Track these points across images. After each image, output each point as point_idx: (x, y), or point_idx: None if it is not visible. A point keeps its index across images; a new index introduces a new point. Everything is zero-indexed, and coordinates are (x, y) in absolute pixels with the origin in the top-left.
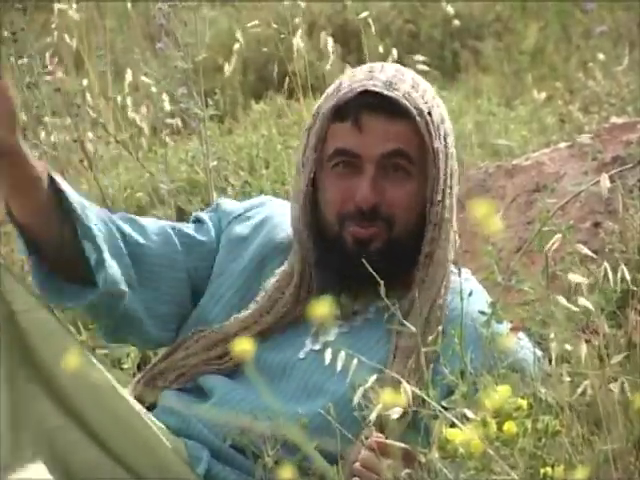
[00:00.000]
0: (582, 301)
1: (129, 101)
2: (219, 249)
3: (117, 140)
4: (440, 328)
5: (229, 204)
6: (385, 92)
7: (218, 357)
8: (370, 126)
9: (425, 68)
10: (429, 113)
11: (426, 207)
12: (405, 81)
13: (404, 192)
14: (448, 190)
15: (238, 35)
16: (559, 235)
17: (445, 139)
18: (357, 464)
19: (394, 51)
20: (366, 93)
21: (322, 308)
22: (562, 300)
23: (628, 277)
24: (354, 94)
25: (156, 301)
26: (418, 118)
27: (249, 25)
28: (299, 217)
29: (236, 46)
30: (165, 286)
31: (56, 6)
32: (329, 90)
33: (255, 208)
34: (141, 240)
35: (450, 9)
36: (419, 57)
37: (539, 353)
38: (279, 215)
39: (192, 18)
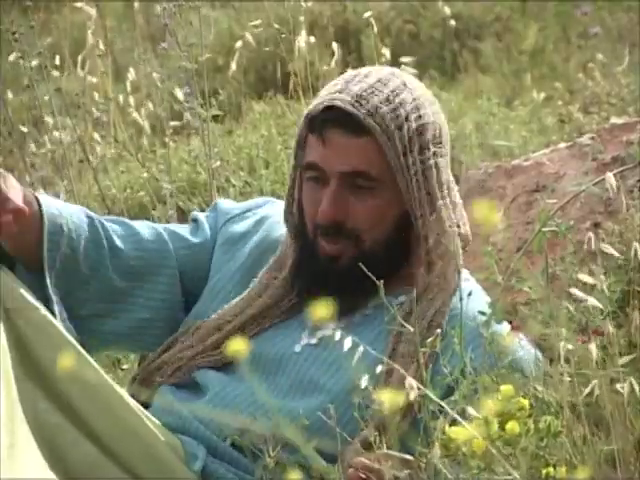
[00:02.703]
0: (591, 300)
1: (131, 101)
2: (215, 248)
3: (117, 140)
4: (438, 331)
5: (227, 204)
6: (348, 108)
7: (214, 347)
8: (333, 141)
9: (413, 71)
10: (398, 128)
11: (401, 216)
12: (380, 93)
13: (367, 207)
14: (439, 201)
15: (247, 35)
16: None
17: (423, 151)
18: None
19: (387, 52)
20: (330, 109)
21: (321, 309)
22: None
23: None
24: (320, 108)
25: (143, 307)
26: (380, 135)
27: (252, 24)
28: (287, 219)
29: (238, 44)
30: (155, 291)
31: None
32: (319, 93)
33: (253, 209)
34: (132, 253)
35: (447, 10)
36: (406, 59)
37: (539, 353)
38: (277, 214)
39: (195, 18)
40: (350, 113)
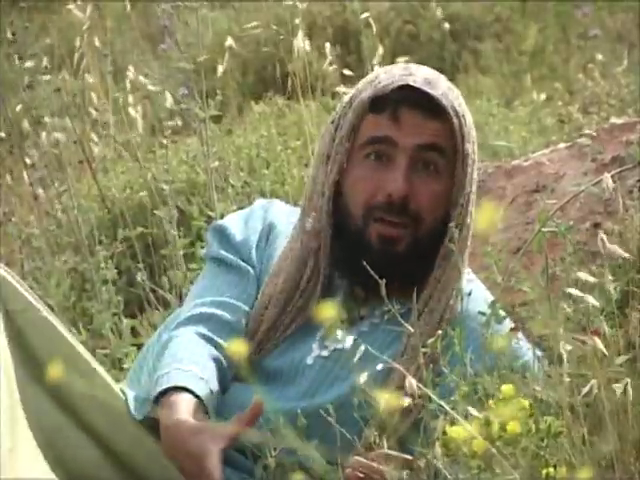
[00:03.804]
0: (591, 300)
1: (130, 100)
2: (258, 272)
3: (117, 140)
4: (439, 332)
5: (233, 229)
6: (425, 89)
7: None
8: (407, 119)
9: None
10: (463, 116)
11: (449, 210)
12: (442, 82)
13: (432, 190)
14: (472, 196)
15: (230, 40)
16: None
17: (474, 145)
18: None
19: (380, 49)
20: (406, 88)
21: (328, 311)
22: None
23: None
24: (394, 87)
25: None
26: (454, 119)
27: (248, 26)
28: (322, 209)
29: (227, 42)
30: None
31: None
32: (364, 82)
33: (257, 219)
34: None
35: (439, 12)
36: (402, 59)
37: (538, 353)
38: (279, 223)
39: (193, 19)
40: (426, 93)
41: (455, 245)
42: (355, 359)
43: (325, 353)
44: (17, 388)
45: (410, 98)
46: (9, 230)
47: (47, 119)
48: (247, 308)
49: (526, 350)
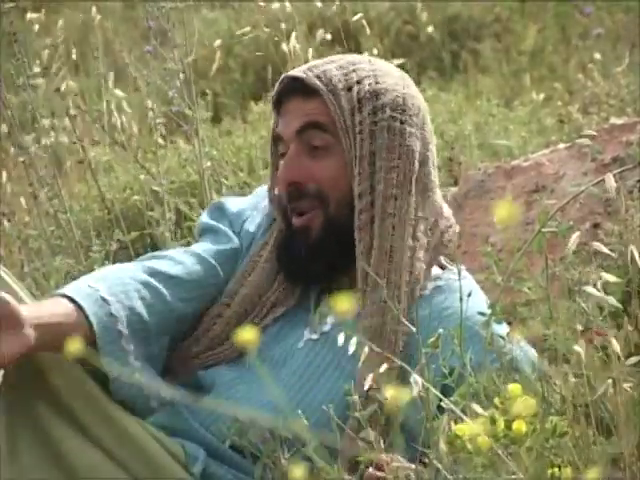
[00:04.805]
0: (611, 300)
1: (129, 101)
2: (243, 251)
3: (116, 141)
4: (440, 330)
5: (233, 204)
6: (298, 74)
7: (219, 342)
8: (287, 108)
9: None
10: (347, 88)
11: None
12: (335, 63)
13: (324, 166)
14: (381, 163)
15: (217, 41)
16: (578, 233)
17: (376, 113)
18: None
19: (374, 50)
20: (284, 79)
21: (344, 303)
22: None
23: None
24: (277, 84)
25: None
26: (326, 94)
27: (239, 32)
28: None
29: (217, 42)
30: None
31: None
32: None
33: (258, 204)
34: (186, 277)
35: (424, 15)
36: (398, 61)
37: (536, 353)
38: None
39: (185, 19)
40: (298, 77)
41: (365, 215)
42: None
43: (314, 336)
44: (17, 392)
45: (287, 87)
46: (8, 231)
47: (46, 120)
48: (214, 262)
49: (526, 350)
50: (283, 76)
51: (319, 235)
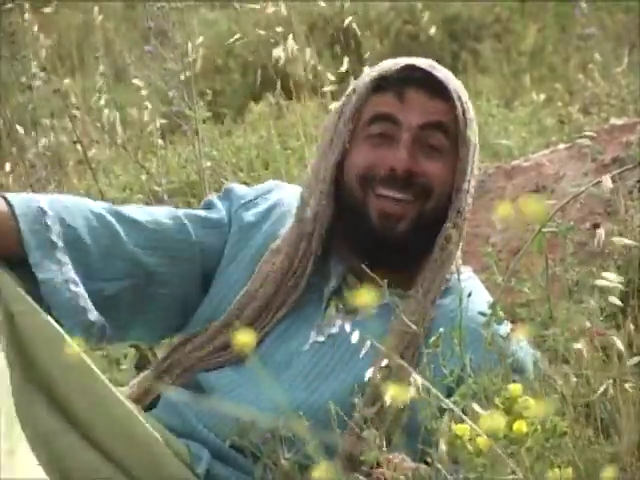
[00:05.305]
0: (612, 299)
1: (129, 101)
2: (230, 234)
3: (116, 141)
4: (441, 330)
5: (239, 189)
6: (429, 70)
7: (222, 348)
8: (412, 99)
9: None
10: (466, 102)
11: (451, 193)
12: (444, 70)
13: (438, 168)
14: (472, 185)
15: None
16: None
17: (476, 136)
18: None
19: (367, 54)
20: (411, 67)
21: (364, 297)
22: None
23: None
24: (399, 67)
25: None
26: (458, 101)
27: (231, 41)
28: (322, 192)
29: (199, 39)
30: (176, 270)
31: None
32: (366, 72)
33: (264, 194)
34: (150, 226)
35: (425, 15)
36: None
37: (537, 354)
38: (287, 203)
39: (186, 19)
40: (431, 74)
41: (456, 230)
42: (348, 347)
43: (321, 338)
44: (16, 391)
45: (415, 77)
46: None
47: (46, 120)
48: (186, 221)
49: (527, 350)
50: (407, 63)
51: (407, 228)
